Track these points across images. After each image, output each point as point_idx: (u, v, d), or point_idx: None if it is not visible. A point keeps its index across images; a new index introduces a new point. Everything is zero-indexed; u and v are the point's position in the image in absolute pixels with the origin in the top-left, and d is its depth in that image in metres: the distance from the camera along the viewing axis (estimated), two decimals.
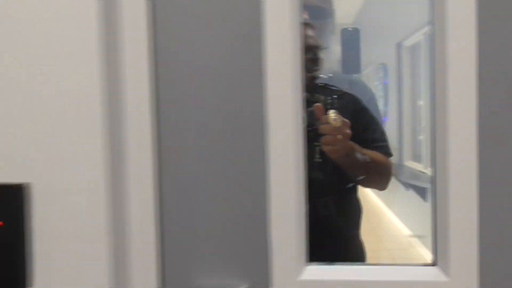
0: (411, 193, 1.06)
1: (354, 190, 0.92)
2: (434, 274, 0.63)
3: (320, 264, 0.65)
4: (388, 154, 0.91)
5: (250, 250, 0.65)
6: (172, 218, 0.66)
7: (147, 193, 0.63)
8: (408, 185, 1.07)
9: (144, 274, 0.64)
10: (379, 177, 0.91)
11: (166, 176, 0.65)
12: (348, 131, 0.82)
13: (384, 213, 1.05)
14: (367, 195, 1.03)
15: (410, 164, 1.31)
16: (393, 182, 1.17)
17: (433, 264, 0.64)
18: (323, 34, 0.92)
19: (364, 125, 0.90)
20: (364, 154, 0.87)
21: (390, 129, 1.41)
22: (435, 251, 0.65)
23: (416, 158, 1.39)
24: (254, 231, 0.65)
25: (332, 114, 0.82)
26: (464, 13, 0.61)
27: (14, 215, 0.56)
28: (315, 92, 0.86)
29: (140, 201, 0.64)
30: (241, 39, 0.64)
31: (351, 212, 0.93)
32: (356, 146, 0.85)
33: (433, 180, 0.66)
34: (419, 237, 0.85)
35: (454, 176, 0.61)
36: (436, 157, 0.65)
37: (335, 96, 0.89)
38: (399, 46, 1.44)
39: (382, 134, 0.92)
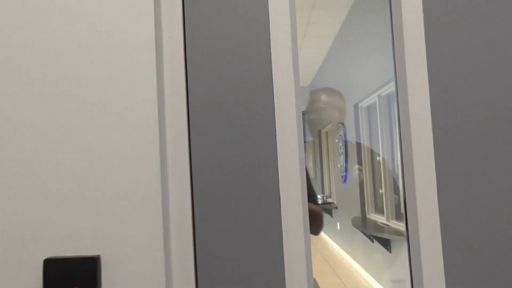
0: (376, 245, 1.29)
1: None
2: None
3: None
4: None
5: None
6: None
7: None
8: (372, 238, 1.32)
9: None
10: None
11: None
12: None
13: (351, 266, 1.28)
14: (333, 249, 1.26)
15: (373, 217, 1.59)
16: (358, 235, 1.45)
17: None
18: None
19: None
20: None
21: (350, 183, 1.72)
22: None
23: (378, 211, 1.68)
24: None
25: None
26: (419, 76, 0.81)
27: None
28: None
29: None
30: None
31: None
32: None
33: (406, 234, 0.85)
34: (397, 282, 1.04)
35: (423, 230, 0.80)
36: (407, 213, 0.84)
37: None
38: (356, 107, 1.71)
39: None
